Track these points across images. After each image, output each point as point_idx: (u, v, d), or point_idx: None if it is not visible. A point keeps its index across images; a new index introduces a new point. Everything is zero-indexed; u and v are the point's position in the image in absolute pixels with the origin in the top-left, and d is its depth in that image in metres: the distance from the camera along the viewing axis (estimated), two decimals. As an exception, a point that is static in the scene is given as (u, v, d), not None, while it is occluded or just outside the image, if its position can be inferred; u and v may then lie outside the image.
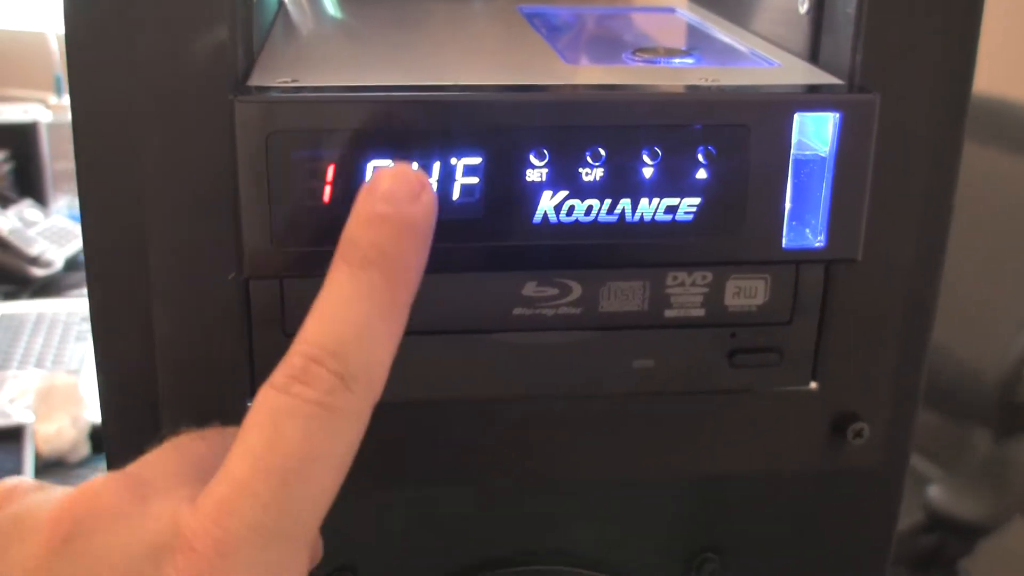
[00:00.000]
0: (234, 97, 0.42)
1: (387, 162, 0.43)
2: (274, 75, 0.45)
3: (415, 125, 0.43)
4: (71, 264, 1.81)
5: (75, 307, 1.67)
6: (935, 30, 0.47)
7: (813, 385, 0.52)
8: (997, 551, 1.85)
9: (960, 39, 0.48)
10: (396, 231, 0.39)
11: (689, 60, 0.51)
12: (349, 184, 0.43)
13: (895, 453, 0.54)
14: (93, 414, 1.36)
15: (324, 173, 0.43)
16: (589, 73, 0.50)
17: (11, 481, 0.41)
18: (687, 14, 0.65)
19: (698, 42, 0.56)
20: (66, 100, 1.93)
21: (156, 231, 0.45)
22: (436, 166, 0.44)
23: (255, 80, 0.45)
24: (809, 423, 0.53)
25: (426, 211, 0.40)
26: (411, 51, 0.54)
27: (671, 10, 0.67)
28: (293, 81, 0.44)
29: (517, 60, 0.53)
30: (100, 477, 0.39)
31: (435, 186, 0.44)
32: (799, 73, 0.50)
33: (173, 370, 0.47)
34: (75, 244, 1.82)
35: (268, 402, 0.37)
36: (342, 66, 0.50)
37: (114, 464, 0.47)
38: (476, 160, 0.44)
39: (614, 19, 0.63)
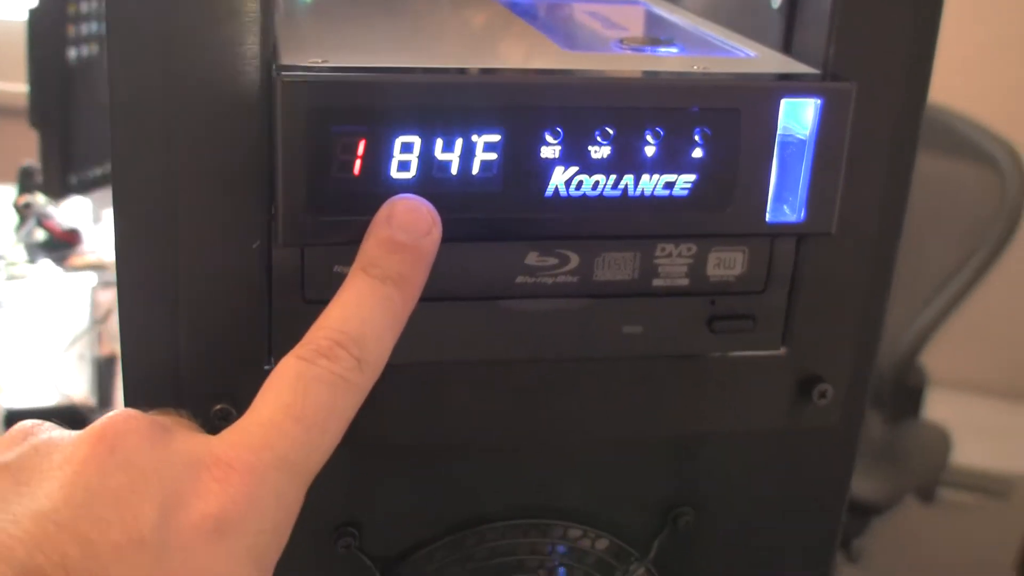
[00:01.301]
0: (277, 75, 0.46)
1: (414, 138, 0.47)
2: (301, 55, 0.48)
3: (444, 104, 0.47)
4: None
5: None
6: (902, 22, 0.52)
7: (782, 349, 0.57)
8: (889, 530, 1.93)
9: (924, 30, 0.53)
10: (413, 259, 0.47)
11: (673, 49, 0.55)
12: (377, 158, 0.47)
13: (853, 412, 0.59)
14: (5, 399, 1.37)
15: (356, 147, 0.47)
16: (588, 59, 0.54)
17: (29, 421, 0.46)
18: (650, 5, 0.69)
19: (676, 33, 0.60)
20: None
21: (186, 203, 0.48)
22: (459, 142, 0.47)
23: (285, 59, 0.48)
24: (778, 385, 0.57)
25: (434, 244, 0.48)
26: (414, 35, 0.58)
27: (635, 1, 0.71)
28: (324, 61, 0.48)
29: (518, 46, 0.57)
30: (121, 411, 0.44)
31: (457, 161, 0.48)
32: (777, 62, 0.55)
33: (196, 335, 0.50)
34: None
35: (296, 369, 0.45)
36: (357, 48, 0.53)
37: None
38: (496, 138, 0.48)
39: (588, 9, 0.67)
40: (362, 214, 0.47)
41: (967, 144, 1.82)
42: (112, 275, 1.52)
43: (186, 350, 0.50)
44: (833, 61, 0.52)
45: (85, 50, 1.83)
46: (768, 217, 0.52)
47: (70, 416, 1.42)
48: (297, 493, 0.44)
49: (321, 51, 0.49)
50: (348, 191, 0.47)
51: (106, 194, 1.93)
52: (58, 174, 1.84)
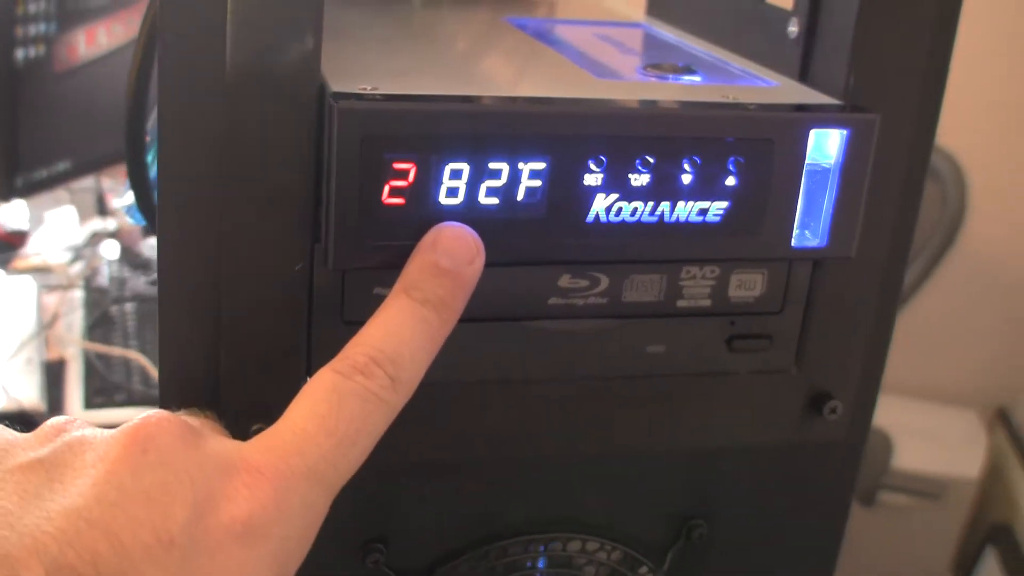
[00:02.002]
0: (335, 103, 0.47)
1: (463, 165, 0.48)
2: (350, 82, 0.49)
3: (493, 133, 0.49)
4: None
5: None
6: (918, 53, 0.54)
7: (795, 367, 0.59)
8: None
9: (937, 62, 0.55)
10: (454, 285, 0.48)
11: (696, 78, 0.57)
12: (427, 184, 0.48)
13: (859, 428, 0.61)
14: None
15: (407, 173, 0.48)
16: (624, 88, 0.55)
17: (63, 417, 0.46)
18: (654, 28, 0.71)
19: (692, 60, 0.62)
20: None
21: (231, 224, 0.49)
22: (505, 170, 0.49)
23: (335, 85, 0.49)
24: (790, 401, 0.59)
25: (476, 273, 0.49)
26: (453, 62, 0.59)
27: (639, 24, 0.73)
28: (374, 88, 0.49)
29: (552, 74, 0.58)
30: (154, 412, 0.45)
31: (503, 188, 0.49)
32: (798, 92, 0.57)
33: (235, 353, 0.51)
34: None
35: (332, 382, 0.46)
36: (400, 75, 0.54)
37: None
38: (541, 165, 0.49)
39: (598, 33, 0.68)
40: (411, 239, 0.49)
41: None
42: (57, 278, 1.51)
43: (225, 368, 0.51)
44: (853, 90, 0.54)
45: (33, 51, 1.81)
46: (793, 242, 0.53)
47: (20, 421, 1.40)
48: (323, 504, 0.45)
49: (368, 78, 0.50)
50: (398, 216, 0.49)
51: (49, 197, 1.92)
52: (3, 176, 1.82)
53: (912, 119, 0.55)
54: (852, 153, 0.52)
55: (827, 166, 0.53)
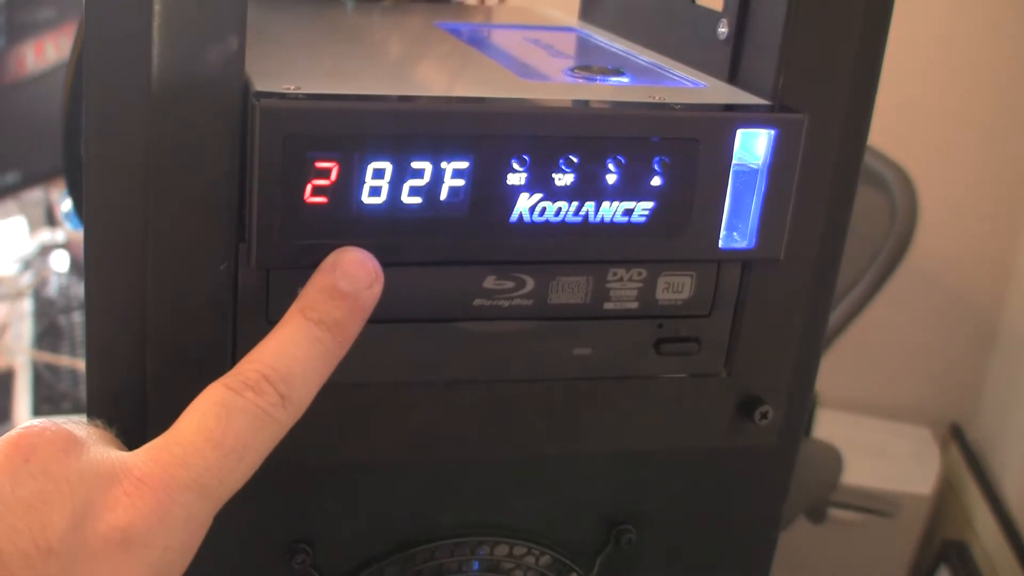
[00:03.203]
0: (256, 102, 0.46)
1: (386, 164, 0.48)
2: (273, 81, 0.49)
3: (416, 132, 0.48)
4: None
5: None
6: (847, 55, 0.55)
7: (724, 371, 0.58)
8: (780, 549, 1.96)
9: (868, 62, 0.55)
10: (351, 308, 0.48)
11: (624, 79, 0.57)
12: (350, 183, 0.48)
13: (790, 433, 0.61)
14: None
15: (330, 172, 0.48)
16: (550, 89, 0.55)
17: None
18: (586, 32, 0.71)
19: (619, 62, 0.62)
20: None
21: (157, 224, 0.49)
22: (428, 169, 0.49)
23: (259, 85, 0.48)
24: (720, 405, 0.59)
25: (375, 297, 0.49)
26: (379, 63, 0.59)
27: (570, 29, 0.73)
28: (297, 88, 0.48)
29: (477, 75, 0.58)
30: (36, 421, 0.45)
31: (426, 187, 0.49)
32: (727, 93, 0.57)
33: (162, 354, 0.51)
34: None
35: (222, 397, 0.46)
36: (327, 75, 0.54)
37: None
38: (464, 164, 0.49)
39: (529, 36, 0.68)
40: (333, 239, 0.49)
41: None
42: (6, 289, 1.50)
43: (151, 371, 0.51)
44: (783, 92, 0.54)
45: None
46: (721, 243, 0.53)
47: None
48: (206, 516, 0.45)
49: (293, 78, 0.50)
50: (321, 216, 0.48)
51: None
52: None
53: (842, 120, 0.55)
54: (780, 154, 0.52)
55: (755, 167, 0.53)
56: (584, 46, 0.69)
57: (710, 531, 0.63)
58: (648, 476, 0.61)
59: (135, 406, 0.51)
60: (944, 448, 2.30)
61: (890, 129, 1.99)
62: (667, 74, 0.60)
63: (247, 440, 0.45)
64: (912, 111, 2.13)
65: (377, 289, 0.49)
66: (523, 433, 0.57)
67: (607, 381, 0.57)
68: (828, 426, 2.03)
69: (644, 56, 0.64)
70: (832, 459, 1.90)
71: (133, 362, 0.51)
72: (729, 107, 0.54)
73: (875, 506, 2.13)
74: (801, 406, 0.61)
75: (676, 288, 0.56)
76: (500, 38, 0.69)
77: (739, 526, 0.64)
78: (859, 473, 2.06)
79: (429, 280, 0.53)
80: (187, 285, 0.50)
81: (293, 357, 0.47)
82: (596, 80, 0.57)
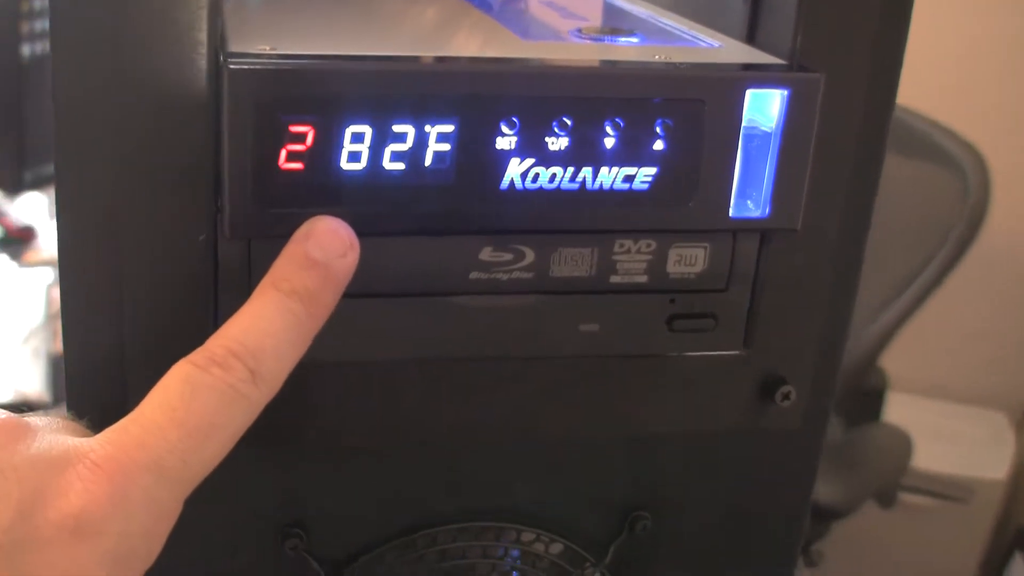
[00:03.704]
0: (224, 63, 0.44)
1: (365, 128, 0.45)
2: (250, 42, 0.46)
3: (395, 93, 0.45)
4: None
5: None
6: (870, 14, 0.51)
7: (744, 350, 0.55)
8: (849, 534, 1.92)
9: (893, 23, 0.51)
10: (324, 278, 0.45)
11: (634, 39, 0.54)
12: (327, 148, 0.45)
13: (816, 415, 0.58)
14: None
15: (305, 137, 0.45)
16: (547, 49, 0.52)
17: None
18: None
19: (636, 23, 0.59)
20: None
21: (130, 195, 0.46)
22: (411, 133, 0.46)
23: (233, 47, 0.46)
24: (739, 386, 0.56)
25: (349, 267, 0.46)
26: (369, 23, 0.56)
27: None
28: (272, 48, 0.46)
29: (476, 36, 0.55)
30: None
31: (409, 152, 0.46)
32: (742, 53, 0.53)
33: (141, 331, 0.48)
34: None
35: (186, 374, 0.43)
36: (309, 36, 0.51)
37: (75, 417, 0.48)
38: (449, 128, 0.46)
39: (541, 1, 0.65)
40: (311, 207, 0.46)
41: (929, 146, 1.81)
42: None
43: (130, 347, 0.49)
44: (800, 52, 0.51)
45: (39, 47, 1.80)
46: (732, 212, 0.50)
47: (24, 412, 1.39)
48: (171, 500, 0.42)
49: (270, 39, 0.47)
50: (297, 182, 0.46)
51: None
52: (13, 170, 1.82)
53: (865, 83, 0.52)
54: (794, 116, 0.49)
55: (768, 130, 0.49)
56: (605, 9, 0.65)
57: (731, 518, 0.60)
58: (664, 460, 0.58)
59: (114, 385, 0.49)
60: (1019, 432, 2.24)
61: (964, 110, 1.94)
62: (682, 35, 0.56)
63: (213, 418, 0.42)
64: (984, 88, 2.08)
65: (351, 258, 0.46)
66: (528, 415, 0.54)
67: (617, 359, 0.54)
68: (900, 410, 1.99)
69: (666, 19, 0.61)
70: (901, 443, 1.86)
71: (111, 340, 0.49)
72: (738, 66, 0.50)
73: (948, 491, 2.08)
74: (828, 387, 0.57)
75: (689, 261, 0.53)
76: (516, 1, 0.65)
77: (762, 514, 0.60)
78: (931, 458, 2.01)
79: (422, 252, 0.50)
80: (164, 258, 0.48)
81: (263, 331, 0.44)
82: (604, 40, 0.54)
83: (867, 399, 1.89)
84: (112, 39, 0.45)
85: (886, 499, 1.96)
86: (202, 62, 0.45)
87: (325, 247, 0.46)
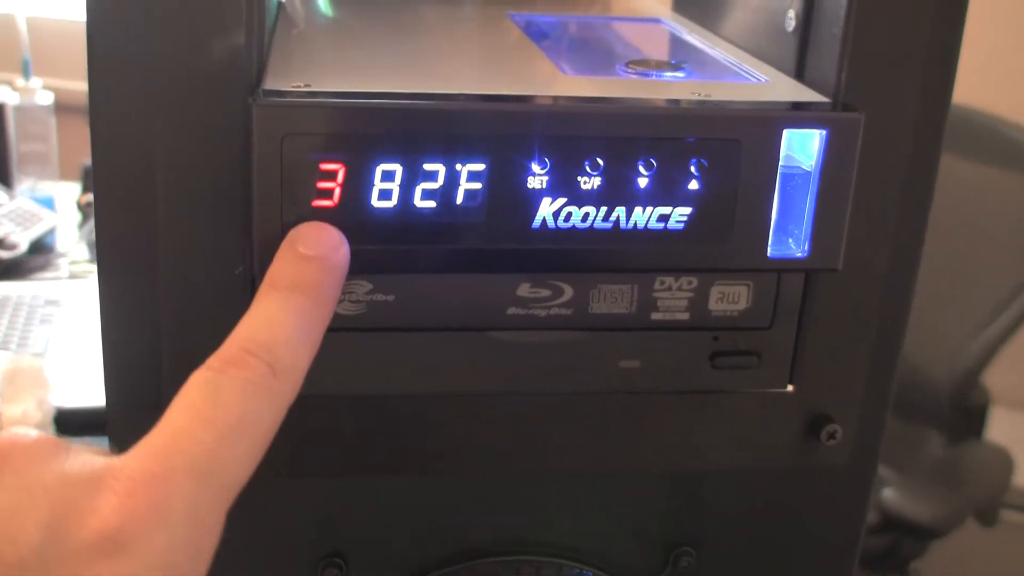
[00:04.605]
0: (252, 101, 0.44)
1: (396, 166, 0.45)
2: (287, 79, 0.47)
3: (423, 132, 0.46)
4: (35, 247, 1.81)
5: (39, 290, 1.67)
6: (917, 50, 0.50)
7: (790, 387, 0.54)
8: (949, 553, 1.89)
9: (941, 60, 0.50)
10: (321, 267, 0.45)
11: (680, 74, 0.53)
12: (358, 186, 0.46)
13: (865, 453, 0.57)
14: (58, 397, 1.36)
15: (335, 175, 0.45)
16: (586, 85, 0.52)
17: None
18: (673, 24, 0.67)
19: (687, 55, 0.58)
20: (33, 83, 1.94)
21: (167, 226, 0.47)
22: (442, 171, 0.46)
23: (269, 84, 0.46)
24: (785, 423, 0.55)
25: (344, 260, 0.46)
26: (414, 58, 0.56)
27: (657, 20, 0.69)
28: (306, 86, 0.46)
29: (517, 70, 0.55)
30: (13, 431, 0.42)
31: (440, 191, 0.46)
32: (786, 89, 0.52)
33: (178, 360, 0.49)
34: (39, 227, 1.83)
35: (205, 378, 0.42)
36: (350, 71, 0.52)
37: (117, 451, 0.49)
38: (480, 167, 0.46)
39: (604, 29, 0.65)
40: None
41: (1021, 152, 1.78)
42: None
43: (168, 373, 0.49)
44: (845, 89, 0.50)
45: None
46: (771, 251, 0.49)
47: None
48: (214, 507, 0.40)
49: (308, 76, 0.48)
50: (327, 220, 0.46)
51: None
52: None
53: (912, 120, 0.51)
54: (833, 155, 0.48)
55: (809, 169, 0.49)
56: (660, 38, 0.65)
57: (778, 556, 0.59)
58: (709, 496, 0.57)
59: (154, 412, 0.50)
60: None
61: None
62: (732, 69, 0.56)
63: (241, 413, 0.41)
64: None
65: (344, 251, 0.46)
66: (568, 448, 0.54)
67: (660, 396, 0.54)
68: (1002, 427, 1.95)
69: (719, 50, 0.60)
70: (1002, 461, 1.83)
71: (150, 367, 0.49)
72: (775, 106, 0.49)
73: (1051, 510, 2.04)
74: (877, 424, 0.56)
75: (731, 298, 0.52)
76: (572, 30, 0.65)
77: (810, 552, 0.59)
78: (1034, 475, 1.97)
79: (459, 288, 0.50)
80: (202, 287, 0.48)
81: (272, 327, 0.44)
82: (650, 75, 0.53)
83: (969, 416, 1.86)
84: (148, 68, 0.45)
85: (987, 517, 1.92)
86: (239, 97, 0.46)
87: (314, 242, 0.46)
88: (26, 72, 1.94)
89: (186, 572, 0.39)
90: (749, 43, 0.60)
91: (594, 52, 0.59)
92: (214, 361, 0.43)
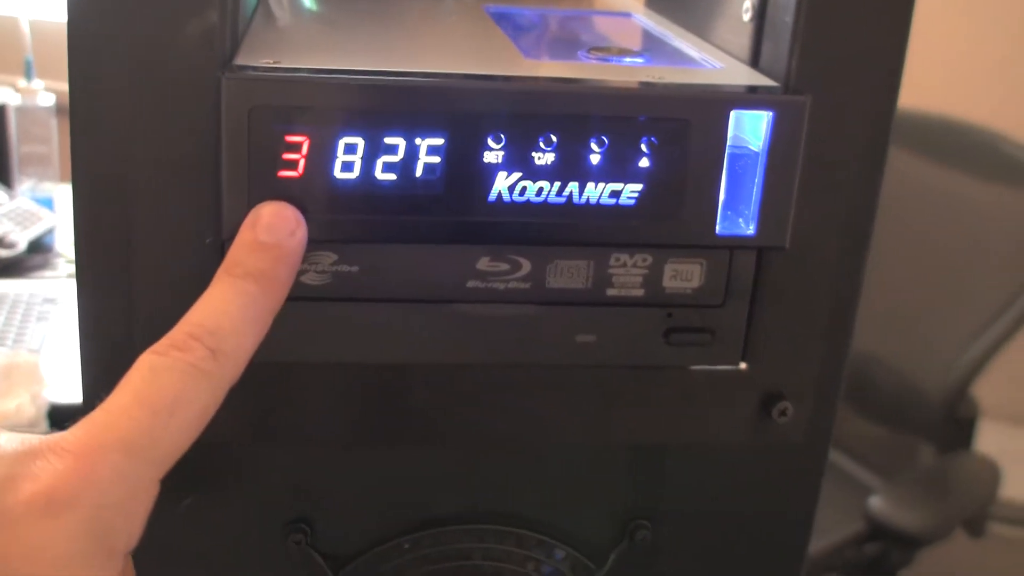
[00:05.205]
0: (221, 74, 0.46)
1: (358, 139, 0.47)
2: (257, 57, 0.49)
3: (384, 107, 0.48)
4: (34, 246, 1.84)
5: (37, 288, 1.69)
6: (867, 38, 0.52)
7: (743, 365, 0.56)
8: (936, 563, 1.90)
9: (890, 48, 0.52)
10: (275, 257, 0.48)
11: (639, 60, 0.55)
12: (322, 158, 0.48)
13: (818, 431, 0.58)
14: (53, 393, 1.38)
15: (300, 147, 0.47)
16: (546, 67, 0.54)
17: None
18: (642, 19, 0.69)
19: (650, 44, 0.60)
20: (35, 84, 1.96)
21: (140, 200, 0.49)
22: (402, 145, 0.48)
23: (240, 61, 0.48)
24: (738, 400, 0.57)
25: (299, 244, 0.49)
26: (383, 41, 0.59)
27: (628, 14, 0.71)
28: (275, 62, 0.48)
29: (481, 54, 0.57)
30: None
31: (400, 163, 0.48)
32: (739, 75, 0.54)
33: (152, 331, 0.51)
34: (39, 226, 1.85)
35: (148, 361, 0.46)
36: (320, 51, 0.54)
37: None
38: (439, 141, 0.48)
39: (575, 21, 0.67)
40: (306, 214, 0.48)
41: (1018, 170, 1.79)
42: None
43: (141, 346, 0.51)
44: (796, 75, 0.52)
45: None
46: (720, 229, 0.51)
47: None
48: (144, 476, 0.44)
49: (278, 53, 0.50)
50: (292, 191, 0.48)
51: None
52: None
53: (863, 103, 0.53)
54: (779, 136, 0.50)
55: (757, 150, 0.51)
56: (628, 30, 0.67)
57: (732, 531, 0.61)
58: (667, 470, 0.59)
59: None
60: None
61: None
62: (690, 56, 0.58)
63: (176, 395, 0.45)
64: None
65: (300, 235, 0.48)
66: (527, 419, 0.56)
67: (615, 371, 0.56)
68: (991, 437, 1.96)
69: (683, 41, 0.62)
70: (990, 472, 1.84)
71: (123, 339, 0.51)
72: (725, 88, 0.51)
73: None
74: (830, 402, 0.58)
75: (684, 276, 0.54)
76: (543, 22, 0.67)
77: (764, 528, 0.61)
78: (1020, 486, 1.98)
79: (420, 260, 0.52)
80: (172, 260, 0.50)
81: (220, 312, 0.47)
82: (610, 60, 0.55)
83: (958, 427, 1.87)
84: (124, 45, 0.48)
85: (975, 528, 1.93)
86: (210, 73, 0.48)
87: (273, 228, 0.48)
88: (28, 74, 1.96)
89: (119, 531, 0.44)
90: (713, 35, 0.62)
91: (560, 40, 0.61)
92: (160, 345, 0.46)
